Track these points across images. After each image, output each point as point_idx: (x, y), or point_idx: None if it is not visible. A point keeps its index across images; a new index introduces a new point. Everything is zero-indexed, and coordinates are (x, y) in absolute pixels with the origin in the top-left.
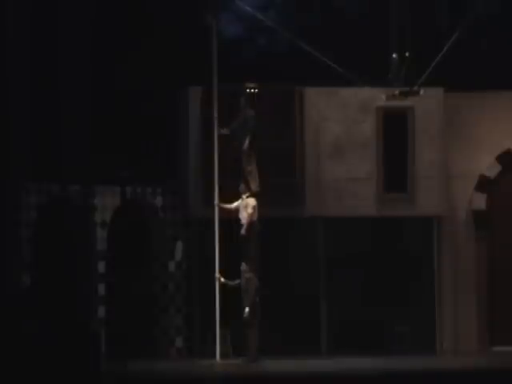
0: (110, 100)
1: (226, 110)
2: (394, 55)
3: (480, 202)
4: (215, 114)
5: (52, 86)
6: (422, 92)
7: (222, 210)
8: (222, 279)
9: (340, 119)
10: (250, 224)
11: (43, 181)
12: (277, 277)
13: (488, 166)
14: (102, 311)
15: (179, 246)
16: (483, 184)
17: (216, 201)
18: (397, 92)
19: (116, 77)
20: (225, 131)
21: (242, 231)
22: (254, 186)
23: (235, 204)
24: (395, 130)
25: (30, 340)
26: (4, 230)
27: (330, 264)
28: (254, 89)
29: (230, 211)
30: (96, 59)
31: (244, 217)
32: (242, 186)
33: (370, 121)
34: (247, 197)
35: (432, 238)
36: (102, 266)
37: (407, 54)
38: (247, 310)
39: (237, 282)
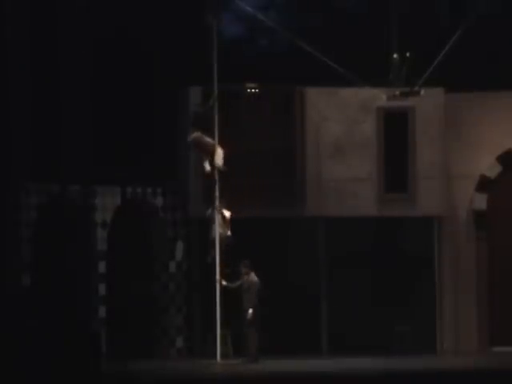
0: (110, 101)
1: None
2: (395, 55)
3: (480, 202)
4: (215, 114)
5: (52, 87)
6: (422, 92)
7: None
8: (224, 282)
9: (340, 119)
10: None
11: (43, 181)
12: (277, 277)
13: (488, 166)
14: (102, 311)
15: (179, 245)
16: (484, 184)
17: (217, 203)
18: (397, 92)
19: (116, 77)
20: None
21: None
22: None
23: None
24: (396, 131)
25: (30, 340)
26: (4, 230)
27: (331, 264)
28: (255, 89)
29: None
30: (96, 60)
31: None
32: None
33: (370, 121)
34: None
35: (432, 238)
36: (102, 266)
37: (408, 54)
38: (251, 311)
39: (237, 283)
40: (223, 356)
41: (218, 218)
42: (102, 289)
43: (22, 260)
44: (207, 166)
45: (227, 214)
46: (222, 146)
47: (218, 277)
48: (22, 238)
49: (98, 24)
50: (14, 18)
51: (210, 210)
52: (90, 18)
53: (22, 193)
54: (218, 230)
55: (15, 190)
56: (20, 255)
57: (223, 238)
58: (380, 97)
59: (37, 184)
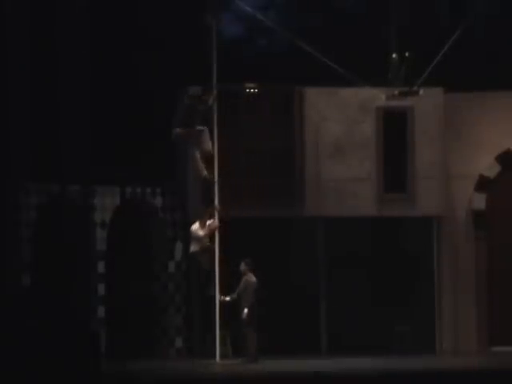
0: (110, 101)
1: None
2: (394, 55)
3: (480, 201)
4: (215, 114)
5: (51, 87)
6: (421, 92)
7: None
8: (227, 298)
9: (340, 119)
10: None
11: (43, 181)
12: (277, 277)
13: (488, 166)
14: (101, 311)
15: (179, 246)
16: (483, 184)
17: (216, 203)
18: (396, 92)
19: (116, 77)
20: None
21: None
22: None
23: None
24: (395, 130)
25: (29, 340)
26: (4, 229)
27: (330, 264)
28: (254, 89)
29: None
30: (95, 60)
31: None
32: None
33: (369, 121)
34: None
35: (432, 238)
36: (101, 266)
37: (407, 54)
38: (246, 310)
39: (237, 291)
40: (222, 356)
41: (217, 221)
42: (102, 289)
43: (22, 260)
44: (204, 171)
45: (204, 230)
46: (222, 146)
47: (219, 298)
48: (22, 237)
49: (97, 24)
50: (14, 18)
51: (195, 225)
52: (89, 17)
53: (21, 193)
54: (217, 235)
55: (15, 190)
56: (20, 255)
57: (202, 251)
58: (379, 97)
59: (37, 184)
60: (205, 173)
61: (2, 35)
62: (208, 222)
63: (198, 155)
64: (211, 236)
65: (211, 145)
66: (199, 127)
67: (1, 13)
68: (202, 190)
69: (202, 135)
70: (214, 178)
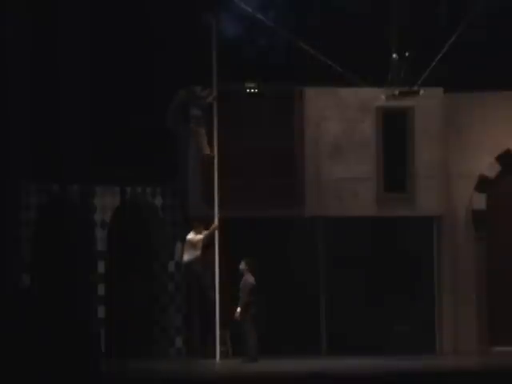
0: (110, 100)
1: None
2: (394, 55)
3: (480, 201)
4: (215, 114)
5: (52, 86)
6: (421, 92)
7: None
8: (238, 309)
9: (340, 119)
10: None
11: (43, 181)
12: (277, 277)
13: (488, 165)
14: (101, 311)
15: (179, 246)
16: (483, 184)
17: (216, 209)
18: (396, 92)
19: (116, 77)
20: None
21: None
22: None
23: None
24: (395, 130)
25: (30, 340)
26: (4, 230)
27: (330, 264)
28: (254, 88)
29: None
30: (96, 59)
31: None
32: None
33: (369, 121)
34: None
35: (432, 237)
36: (101, 266)
37: (407, 54)
38: (238, 310)
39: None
40: (222, 356)
41: (216, 222)
42: (102, 289)
43: (22, 260)
44: (206, 148)
45: (200, 236)
46: (222, 146)
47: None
48: (21, 237)
49: (97, 23)
50: (14, 18)
51: (190, 234)
52: (89, 16)
53: (21, 193)
54: (217, 238)
55: (15, 190)
56: (20, 255)
57: (197, 259)
58: (379, 97)
59: (37, 184)
60: (207, 151)
61: (2, 34)
62: (204, 232)
63: (203, 131)
64: (211, 237)
65: (209, 147)
66: (194, 126)
67: (2, 11)
68: (203, 188)
69: (200, 135)
70: (213, 156)
